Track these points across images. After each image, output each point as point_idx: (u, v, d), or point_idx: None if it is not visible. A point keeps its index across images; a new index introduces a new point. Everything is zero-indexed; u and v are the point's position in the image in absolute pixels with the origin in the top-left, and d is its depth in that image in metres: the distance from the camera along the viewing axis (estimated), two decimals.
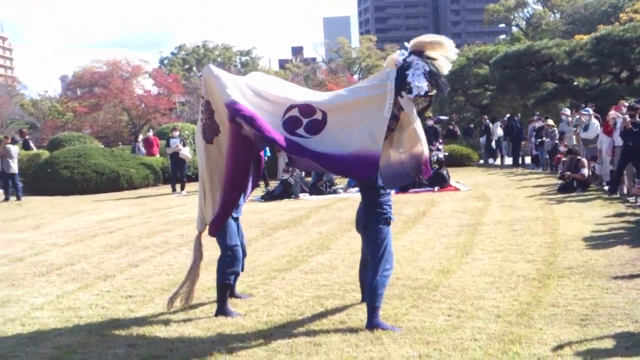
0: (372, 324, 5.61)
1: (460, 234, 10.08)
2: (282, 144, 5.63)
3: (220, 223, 6.18)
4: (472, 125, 31.33)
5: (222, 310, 6.24)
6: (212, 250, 7.08)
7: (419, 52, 5.72)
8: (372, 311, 5.66)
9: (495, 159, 26.57)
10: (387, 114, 5.60)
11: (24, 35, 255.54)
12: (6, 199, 19.65)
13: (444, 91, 5.77)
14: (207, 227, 6.32)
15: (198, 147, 6.44)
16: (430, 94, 5.70)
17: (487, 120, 26.86)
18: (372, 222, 5.80)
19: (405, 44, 5.84)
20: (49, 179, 21.21)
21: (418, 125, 5.91)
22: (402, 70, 5.65)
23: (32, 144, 26.42)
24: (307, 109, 5.76)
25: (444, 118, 27.75)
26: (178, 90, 47.44)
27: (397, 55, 5.78)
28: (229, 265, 6.28)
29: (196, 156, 6.63)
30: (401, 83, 5.60)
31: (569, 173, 14.97)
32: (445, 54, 5.78)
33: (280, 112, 5.78)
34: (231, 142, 5.80)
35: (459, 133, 28.38)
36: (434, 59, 5.71)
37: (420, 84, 5.56)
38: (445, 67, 5.77)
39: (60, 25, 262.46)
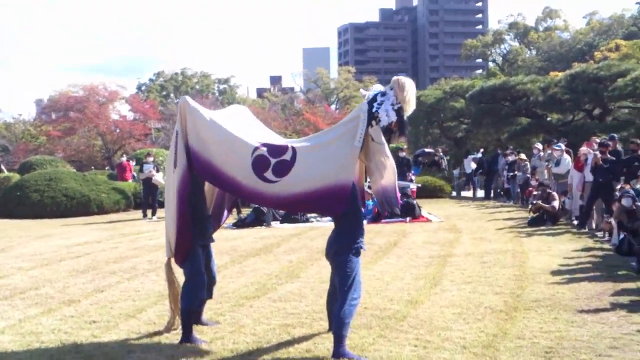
0: (339, 353, 5.56)
1: (430, 265, 10.09)
2: (242, 194, 6.06)
3: (184, 252, 6.18)
4: (448, 158, 31.59)
5: (186, 337, 6.15)
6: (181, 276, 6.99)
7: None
8: (339, 340, 5.61)
9: (468, 191, 26.78)
10: (358, 143, 5.69)
11: (0, 58, 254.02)
12: None
13: (404, 133, 5.98)
14: (174, 255, 6.28)
15: (167, 172, 6.52)
16: (392, 127, 5.77)
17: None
18: (343, 251, 5.78)
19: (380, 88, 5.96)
20: (18, 202, 20.96)
21: (386, 155, 6.00)
22: (374, 101, 5.75)
23: (2, 167, 26.22)
24: (276, 149, 5.85)
25: (429, 151, 27.79)
26: (154, 116, 47.28)
27: (371, 91, 5.90)
28: (192, 291, 6.21)
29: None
30: (372, 114, 5.70)
31: (539, 202, 15.11)
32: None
33: (248, 151, 5.86)
34: (180, 178, 6.07)
35: (444, 166, 28.13)
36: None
37: (389, 114, 5.65)
38: (408, 112, 5.87)
39: (37, 49, 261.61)
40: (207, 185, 6.61)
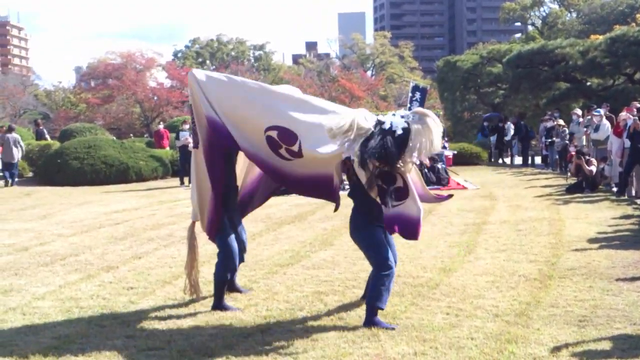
0: (370, 322, 5.62)
1: (465, 233, 10.05)
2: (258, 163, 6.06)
3: (217, 227, 6.24)
4: (486, 124, 31.08)
5: (218, 305, 6.25)
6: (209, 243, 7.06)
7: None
8: (371, 310, 5.66)
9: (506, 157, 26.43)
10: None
11: (39, 25, 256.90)
12: (6, 185, 20.56)
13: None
14: (204, 228, 6.36)
15: (194, 151, 6.49)
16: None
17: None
18: (361, 227, 5.84)
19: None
20: (58, 169, 21.30)
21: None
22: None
23: (47, 135, 26.68)
24: (287, 135, 5.77)
25: (494, 115, 27.27)
26: None
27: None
28: (225, 263, 6.28)
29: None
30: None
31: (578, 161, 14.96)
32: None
33: (261, 129, 5.86)
34: (206, 150, 6.08)
35: (508, 136, 26.57)
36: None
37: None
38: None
39: (76, 16, 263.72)
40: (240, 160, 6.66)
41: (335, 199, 6.13)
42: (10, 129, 21.88)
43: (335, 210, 6.17)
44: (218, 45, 73.99)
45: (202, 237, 6.70)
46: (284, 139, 5.79)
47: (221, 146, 6.10)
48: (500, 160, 26.08)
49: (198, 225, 6.53)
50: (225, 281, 6.34)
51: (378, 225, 5.81)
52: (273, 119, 5.86)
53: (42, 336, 5.58)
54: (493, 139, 26.85)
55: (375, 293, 5.67)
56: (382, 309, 5.73)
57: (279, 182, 6.43)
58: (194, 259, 6.59)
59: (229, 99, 6.01)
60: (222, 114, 5.97)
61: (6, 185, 20.69)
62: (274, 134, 5.81)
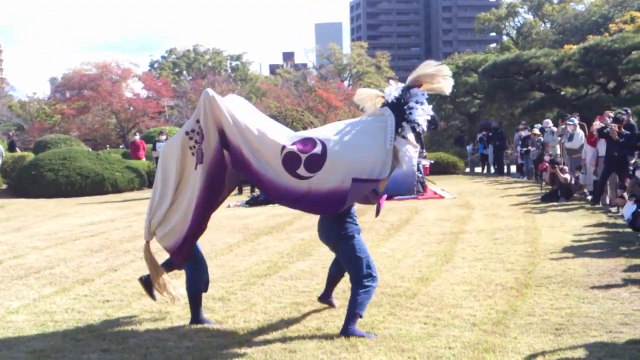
0: (348, 331, 5.62)
1: (442, 242, 10.09)
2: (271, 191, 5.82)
3: (187, 253, 6.13)
4: (462, 134, 31.28)
5: (196, 319, 6.20)
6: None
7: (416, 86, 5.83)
8: (352, 317, 5.66)
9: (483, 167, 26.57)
10: (390, 146, 5.64)
11: (13, 36, 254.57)
12: None
13: (437, 129, 6.53)
14: (170, 246, 6.15)
15: (170, 160, 6.09)
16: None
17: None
18: (347, 236, 5.85)
19: (394, 83, 5.95)
20: (33, 181, 21.07)
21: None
22: (400, 106, 5.72)
23: (16, 147, 26.47)
24: (304, 143, 5.68)
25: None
26: (167, 93, 47.25)
27: (391, 91, 5.85)
28: (197, 275, 6.24)
29: (160, 164, 6.21)
30: (401, 118, 5.71)
31: (552, 169, 15.11)
32: (442, 84, 5.99)
33: (278, 149, 5.66)
34: (212, 172, 5.82)
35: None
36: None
37: (423, 124, 5.76)
38: (446, 89, 6.06)
39: (51, 27, 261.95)
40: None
41: (376, 201, 6.03)
42: None
43: (377, 215, 6.31)
44: (195, 55, 73.76)
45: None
46: (305, 148, 5.62)
47: (223, 169, 5.90)
48: (476, 169, 26.24)
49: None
50: (199, 294, 6.27)
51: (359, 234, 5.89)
52: (291, 134, 5.90)
53: (16, 351, 5.51)
54: (469, 148, 27.00)
55: (358, 302, 5.68)
56: (362, 317, 5.77)
57: (288, 203, 6.02)
58: (161, 274, 6.36)
59: (244, 118, 5.79)
60: (238, 134, 5.70)
61: None
62: (294, 148, 5.63)
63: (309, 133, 5.98)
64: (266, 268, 8.56)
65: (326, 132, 5.84)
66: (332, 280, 6.49)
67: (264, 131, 5.72)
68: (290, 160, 5.61)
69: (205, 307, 6.59)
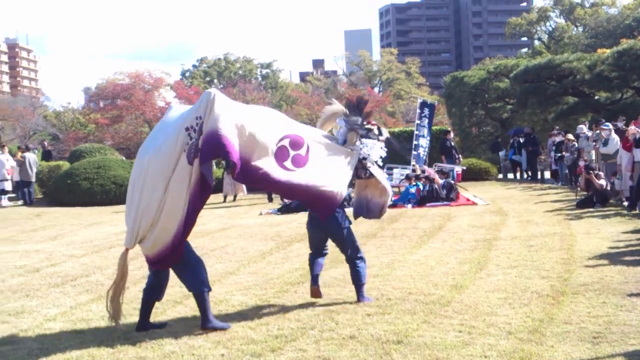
0: (362, 300, 7.03)
1: (476, 249, 10.01)
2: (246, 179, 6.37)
3: (179, 254, 6.16)
4: (499, 140, 30.82)
5: (208, 321, 6.19)
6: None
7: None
8: (361, 288, 7.11)
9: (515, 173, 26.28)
10: (351, 171, 7.01)
11: (47, 47, 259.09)
12: (25, 204, 21.23)
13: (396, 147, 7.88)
14: (157, 252, 6.16)
15: (162, 159, 6.08)
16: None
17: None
18: (339, 225, 6.91)
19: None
20: (68, 190, 21.41)
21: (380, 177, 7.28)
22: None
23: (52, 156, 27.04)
24: (296, 140, 6.53)
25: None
26: None
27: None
28: (200, 275, 6.25)
29: (143, 165, 6.19)
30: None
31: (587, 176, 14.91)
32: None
33: (273, 141, 6.35)
34: (197, 177, 6.01)
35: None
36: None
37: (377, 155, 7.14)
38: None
39: (84, 37, 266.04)
40: None
41: (328, 213, 6.86)
42: (27, 149, 22.41)
43: (322, 220, 6.97)
44: (225, 64, 74.33)
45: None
46: (294, 145, 6.48)
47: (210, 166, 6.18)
48: (509, 175, 25.97)
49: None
50: (203, 293, 6.24)
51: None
52: (286, 128, 6.52)
53: (53, 358, 5.59)
54: (502, 154, 26.75)
55: (361, 274, 7.05)
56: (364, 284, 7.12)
57: (279, 191, 7.29)
58: (123, 287, 6.38)
59: (241, 115, 6.14)
60: (235, 131, 6.00)
61: (25, 204, 21.22)
62: (286, 142, 6.43)
63: (301, 132, 6.69)
64: (299, 275, 8.57)
65: (312, 134, 6.83)
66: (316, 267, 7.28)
67: (255, 130, 6.20)
68: (280, 154, 6.39)
69: (239, 314, 6.64)
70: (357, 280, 7.07)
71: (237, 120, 6.07)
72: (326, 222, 6.92)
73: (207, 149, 5.90)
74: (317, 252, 7.23)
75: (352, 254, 7.06)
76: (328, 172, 6.69)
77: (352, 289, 7.65)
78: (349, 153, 6.95)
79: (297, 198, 6.93)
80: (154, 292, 6.45)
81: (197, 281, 6.23)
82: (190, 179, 5.97)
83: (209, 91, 6.11)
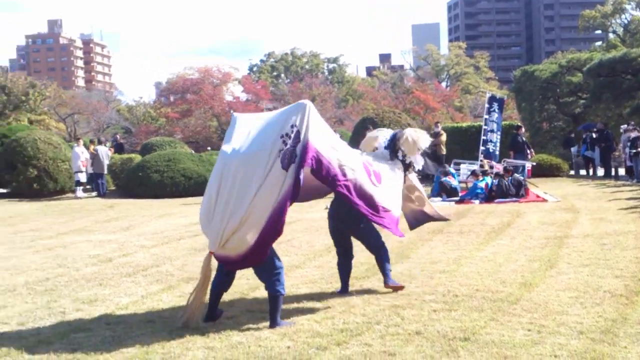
0: (389, 283, 7.32)
1: (546, 247, 9.80)
2: (350, 199, 6.59)
3: (264, 256, 6.19)
4: (572, 135, 30.00)
5: (274, 321, 6.22)
6: None
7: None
8: (388, 273, 7.34)
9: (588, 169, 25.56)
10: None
11: (121, 43, 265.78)
12: (98, 195, 22.07)
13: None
14: (244, 252, 6.17)
15: (255, 165, 6.16)
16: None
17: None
18: (361, 220, 7.11)
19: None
20: (140, 182, 21.94)
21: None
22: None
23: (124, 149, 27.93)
24: (367, 160, 7.12)
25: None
26: (266, 96, 48.26)
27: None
28: (279, 277, 6.28)
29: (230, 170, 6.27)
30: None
31: None
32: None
33: (357, 156, 7.05)
34: (294, 181, 6.08)
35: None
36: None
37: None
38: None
39: (155, 32, 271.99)
40: None
41: (390, 229, 6.94)
42: (100, 142, 23.28)
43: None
44: (292, 58, 74.84)
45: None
46: (368, 164, 7.02)
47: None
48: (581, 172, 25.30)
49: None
50: (282, 297, 6.31)
51: None
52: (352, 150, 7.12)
53: (125, 345, 5.72)
54: (574, 149, 26.08)
55: (386, 260, 7.37)
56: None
57: (365, 208, 6.72)
58: (205, 291, 6.39)
59: (329, 132, 6.71)
60: (326, 144, 6.40)
61: (98, 195, 22.03)
62: (368, 164, 7.01)
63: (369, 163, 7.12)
64: (364, 270, 8.56)
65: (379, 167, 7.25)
66: (346, 272, 7.56)
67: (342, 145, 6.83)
68: (366, 169, 6.88)
69: (305, 307, 6.68)
70: (383, 267, 7.40)
71: (326, 134, 6.56)
72: (347, 214, 7.17)
73: (307, 157, 6.12)
74: (344, 252, 7.55)
75: (375, 242, 7.39)
76: (393, 194, 7.16)
77: (418, 284, 7.65)
78: (399, 167, 7.44)
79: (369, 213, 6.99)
80: (223, 285, 6.54)
81: (276, 283, 6.28)
82: (284, 183, 6.05)
83: (303, 102, 6.34)
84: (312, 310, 6.65)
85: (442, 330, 5.74)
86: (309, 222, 13.76)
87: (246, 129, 6.52)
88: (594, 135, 23.60)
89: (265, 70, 72.30)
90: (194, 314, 6.32)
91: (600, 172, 24.14)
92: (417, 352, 5.28)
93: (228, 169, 6.28)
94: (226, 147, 6.46)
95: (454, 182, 17.71)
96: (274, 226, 6.09)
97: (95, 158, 22.26)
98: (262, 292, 6.82)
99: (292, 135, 6.09)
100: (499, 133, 21.23)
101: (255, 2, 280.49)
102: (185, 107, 46.20)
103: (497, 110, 21.47)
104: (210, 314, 6.45)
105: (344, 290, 7.43)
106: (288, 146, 6.07)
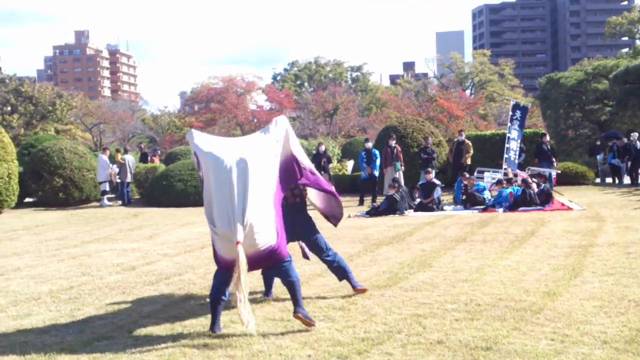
0: (356, 287, 7.73)
1: (570, 255, 9.69)
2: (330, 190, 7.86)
3: (283, 252, 6.50)
4: (598, 143, 29.62)
5: (299, 306, 6.39)
6: None
7: None
8: (350, 277, 7.75)
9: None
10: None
11: (146, 53, 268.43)
12: (123, 204, 22.31)
13: None
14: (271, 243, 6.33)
15: (260, 169, 6.44)
16: None
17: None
18: (315, 230, 7.81)
19: None
20: (164, 191, 22.08)
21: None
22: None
23: (149, 157, 28.06)
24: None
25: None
26: (290, 105, 48.39)
27: None
28: (290, 264, 6.59)
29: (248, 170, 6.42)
30: None
31: None
32: None
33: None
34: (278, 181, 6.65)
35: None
36: None
37: None
38: None
39: (180, 42, 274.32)
40: None
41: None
42: (126, 151, 23.52)
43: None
44: (316, 67, 75.02)
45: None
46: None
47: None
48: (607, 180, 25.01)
49: None
50: (299, 283, 6.60)
51: None
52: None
53: (147, 354, 5.76)
54: (600, 157, 25.79)
55: (343, 261, 7.88)
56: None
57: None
58: (244, 283, 6.11)
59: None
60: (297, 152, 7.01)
61: (123, 204, 22.28)
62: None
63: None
64: (386, 279, 8.53)
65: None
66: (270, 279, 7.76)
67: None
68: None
69: (326, 316, 6.67)
70: (345, 272, 7.74)
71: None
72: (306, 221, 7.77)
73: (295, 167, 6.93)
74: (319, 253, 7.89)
75: (328, 251, 7.79)
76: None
77: (441, 293, 7.59)
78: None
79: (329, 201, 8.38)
80: (220, 292, 6.54)
81: (293, 273, 6.53)
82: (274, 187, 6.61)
83: (283, 117, 7.15)
84: (332, 319, 6.64)
85: (464, 339, 5.70)
86: (330, 230, 13.68)
87: (217, 141, 7.07)
88: (620, 146, 23.21)
89: (288, 79, 72.56)
90: (242, 310, 6.08)
91: (627, 180, 23.84)
92: None
93: (238, 169, 6.37)
94: (215, 154, 6.57)
95: (486, 193, 17.39)
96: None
97: (122, 167, 22.56)
98: (281, 302, 6.82)
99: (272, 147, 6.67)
100: (519, 141, 21.04)
101: (280, 10, 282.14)
102: (210, 116, 46.51)
103: (519, 118, 21.32)
104: (213, 324, 6.47)
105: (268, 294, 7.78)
106: (274, 153, 6.65)
